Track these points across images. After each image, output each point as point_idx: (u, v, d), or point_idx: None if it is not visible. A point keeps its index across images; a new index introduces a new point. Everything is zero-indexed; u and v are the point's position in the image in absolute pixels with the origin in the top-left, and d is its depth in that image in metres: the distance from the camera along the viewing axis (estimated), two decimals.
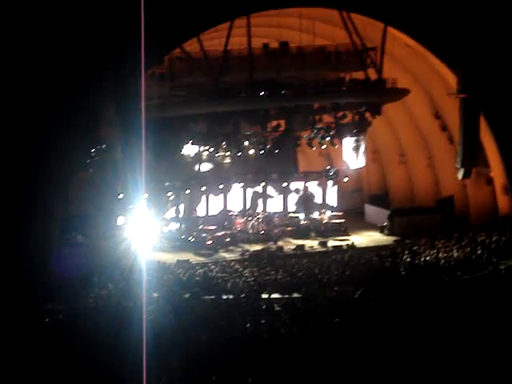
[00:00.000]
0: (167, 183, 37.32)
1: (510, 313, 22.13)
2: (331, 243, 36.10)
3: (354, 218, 40.22)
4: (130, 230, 36.02)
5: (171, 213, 37.72)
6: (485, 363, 18.23)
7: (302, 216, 38.94)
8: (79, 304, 24.41)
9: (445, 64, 35.51)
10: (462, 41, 34.33)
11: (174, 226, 37.38)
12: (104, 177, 31.38)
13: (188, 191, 37.91)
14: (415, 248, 33.20)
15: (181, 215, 37.85)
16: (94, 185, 31.38)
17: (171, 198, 37.61)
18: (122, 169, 28.74)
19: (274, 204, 39.59)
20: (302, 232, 37.67)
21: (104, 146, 31.75)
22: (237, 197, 39.15)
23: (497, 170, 36.87)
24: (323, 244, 35.93)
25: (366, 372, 17.75)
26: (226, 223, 37.85)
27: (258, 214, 38.54)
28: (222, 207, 38.74)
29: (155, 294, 25.33)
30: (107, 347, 19.54)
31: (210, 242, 35.75)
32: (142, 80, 28.12)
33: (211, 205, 38.68)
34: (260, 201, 39.46)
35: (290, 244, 36.17)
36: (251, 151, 37.05)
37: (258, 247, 35.50)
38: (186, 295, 25.85)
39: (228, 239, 36.43)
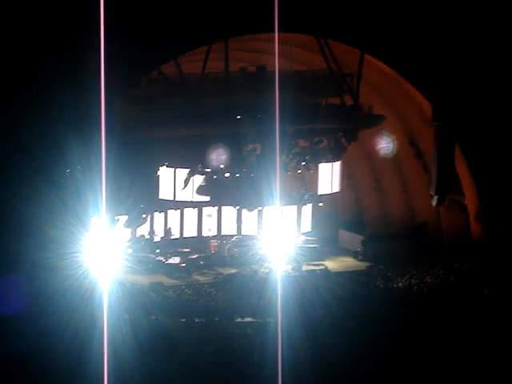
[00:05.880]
0: (142, 205, 37.16)
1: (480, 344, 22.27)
2: (305, 268, 36.07)
3: (328, 243, 40.19)
4: (100, 251, 35.80)
5: (145, 234, 37.54)
6: None
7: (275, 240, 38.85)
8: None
9: (420, 92, 35.83)
10: (438, 69, 34.73)
11: (149, 247, 37.21)
12: (77, 197, 31.17)
13: (162, 213, 37.81)
14: (388, 274, 33.29)
15: (155, 237, 37.70)
16: (65, 205, 31.09)
17: (145, 219, 37.44)
18: (94, 189, 28.62)
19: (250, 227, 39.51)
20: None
21: (78, 167, 31.59)
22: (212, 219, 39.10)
23: (470, 198, 37.12)
24: (297, 268, 35.90)
25: None
26: (200, 246, 37.77)
27: (233, 237, 38.45)
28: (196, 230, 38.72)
29: (127, 316, 25.17)
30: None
31: (184, 264, 35.59)
32: (118, 101, 28.19)
33: (186, 227, 38.60)
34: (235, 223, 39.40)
35: (263, 267, 36.12)
36: (227, 174, 37.01)
37: (232, 270, 35.39)
38: (158, 317, 25.74)
39: (202, 262, 36.30)
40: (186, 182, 36.74)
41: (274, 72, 34.49)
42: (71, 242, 30.65)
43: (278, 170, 38.81)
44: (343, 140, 37.28)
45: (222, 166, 36.38)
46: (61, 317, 24.89)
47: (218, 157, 36.24)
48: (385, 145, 38.25)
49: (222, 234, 38.83)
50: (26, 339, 23.13)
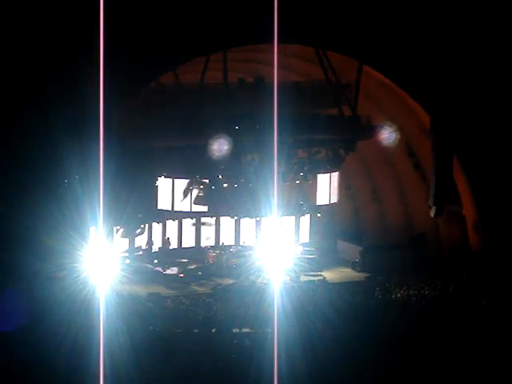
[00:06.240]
0: (140, 215, 37.16)
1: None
2: (303, 278, 36.04)
3: (326, 254, 40.17)
4: (99, 261, 35.76)
5: (144, 245, 37.54)
6: None
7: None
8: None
9: (418, 103, 35.89)
10: (436, 80, 34.81)
11: (147, 258, 37.18)
12: (76, 208, 31.18)
13: (160, 224, 37.82)
14: (387, 285, 33.27)
15: (153, 248, 37.69)
16: (63, 216, 31.10)
17: (143, 230, 37.44)
18: (92, 200, 28.68)
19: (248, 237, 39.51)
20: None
21: (77, 178, 31.58)
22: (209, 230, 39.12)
23: (468, 208, 37.14)
24: (295, 279, 35.86)
25: None
26: (198, 256, 37.74)
27: (231, 247, 38.42)
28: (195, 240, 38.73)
29: (124, 327, 25.13)
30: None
31: (182, 274, 35.58)
32: (116, 112, 28.17)
33: (185, 237, 38.61)
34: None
35: (261, 278, 36.07)
36: (225, 184, 37.03)
37: (230, 281, 35.36)
38: (156, 328, 25.72)
39: (200, 272, 36.28)
40: (186, 193, 36.80)
41: (272, 83, 34.68)
42: (70, 253, 30.65)
43: (276, 180, 38.87)
44: (341, 151, 37.32)
45: (220, 177, 36.42)
46: (59, 326, 24.87)
47: (216, 167, 36.29)
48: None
49: (220, 244, 38.83)
50: (25, 348, 23.12)
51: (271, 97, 33.32)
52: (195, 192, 37.08)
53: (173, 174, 36.62)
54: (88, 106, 28.98)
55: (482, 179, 36.26)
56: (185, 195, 37.02)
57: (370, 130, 36.77)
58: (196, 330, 26.09)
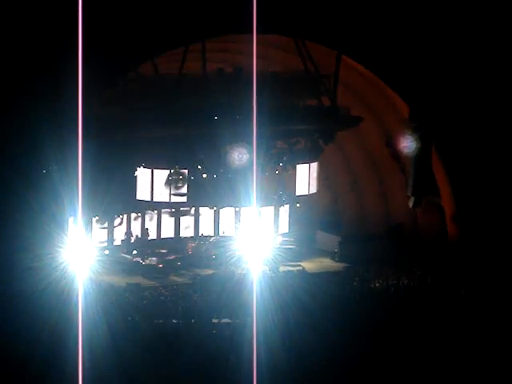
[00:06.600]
0: (119, 206, 37.05)
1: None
2: (282, 268, 36.10)
3: (305, 244, 40.26)
4: (77, 252, 35.64)
5: (122, 236, 37.47)
6: None
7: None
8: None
9: (397, 93, 35.99)
10: (415, 70, 34.92)
11: (126, 248, 37.11)
12: (54, 198, 31.04)
13: (139, 214, 37.74)
14: (365, 275, 33.40)
15: (132, 238, 37.62)
16: (41, 206, 30.94)
17: (122, 220, 37.36)
18: (70, 190, 28.57)
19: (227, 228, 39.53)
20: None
21: (55, 167, 31.42)
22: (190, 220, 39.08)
23: (446, 199, 37.33)
24: (274, 269, 35.91)
25: None
26: (177, 246, 37.71)
27: (210, 237, 38.41)
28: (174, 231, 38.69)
29: (103, 318, 25.10)
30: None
31: (161, 265, 35.52)
32: (95, 102, 28.04)
33: (164, 228, 38.56)
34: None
35: (241, 268, 36.11)
36: (204, 175, 36.99)
37: (209, 271, 35.37)
38: (135, 318, 25.69)
39: (179, 263, 36.25)
40: (165, 183, 36.77)
41: (251, 73, 34.62)
42: (48, 243, 30.51)
43: (255, 170, 38.83)
44: (320, 141, 37.37)
45: (199, 167, 36.37)
46: (37, 317, 24.77)
47: (196, 157, 36.23)
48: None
49: (200, 234, 38.81)
50: (2, 339, 23.03)
51: (250, 87, 33.32)
52: (174, 182, 37.03)
53: (152, 165, 36.53)
54: (66, 95, 28.85)
55: (461, 170, 36.43)
56: (164, 186, 36.95)
57: (348, 121, 36.84)
58: (175, 321, 26.07)
